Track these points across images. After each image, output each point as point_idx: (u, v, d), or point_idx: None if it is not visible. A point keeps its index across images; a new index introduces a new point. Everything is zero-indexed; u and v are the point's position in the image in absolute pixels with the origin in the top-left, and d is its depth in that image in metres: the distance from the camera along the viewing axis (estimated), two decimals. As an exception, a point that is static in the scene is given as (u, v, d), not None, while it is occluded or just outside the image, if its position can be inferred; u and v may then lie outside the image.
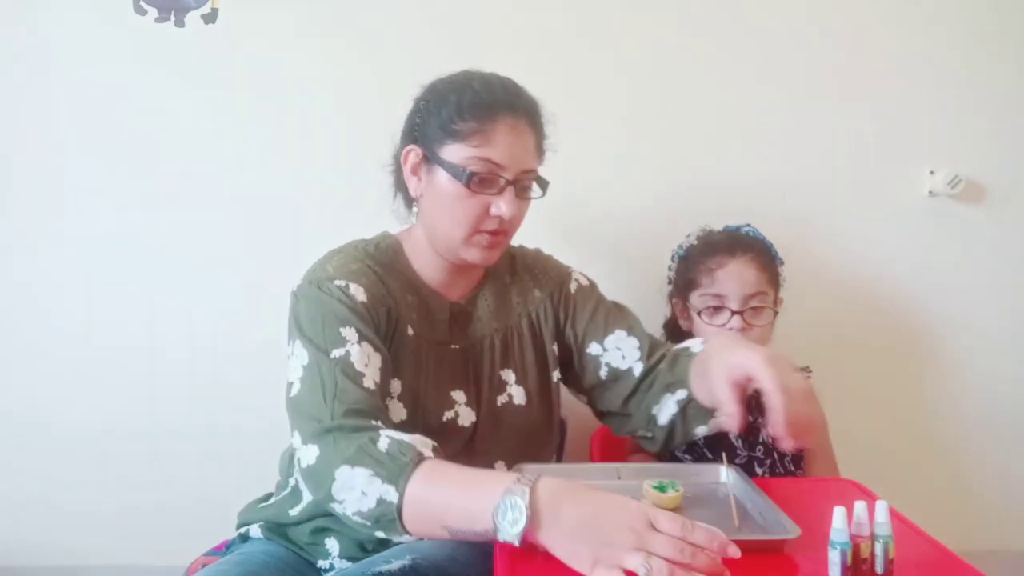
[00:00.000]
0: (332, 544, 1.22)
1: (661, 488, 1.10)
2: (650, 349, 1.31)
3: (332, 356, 1.09)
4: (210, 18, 1.71)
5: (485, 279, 1.34)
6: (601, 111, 1.75)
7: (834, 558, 0.89)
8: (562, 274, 1.39)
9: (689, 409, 1.25)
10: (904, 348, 1.86)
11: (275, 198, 1.75)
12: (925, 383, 1.88)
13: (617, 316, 1.35)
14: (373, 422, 1.03)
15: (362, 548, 1.21)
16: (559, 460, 1.42)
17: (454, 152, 1.18)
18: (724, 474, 1.20)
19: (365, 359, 1.10)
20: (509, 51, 1.68)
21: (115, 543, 1.82)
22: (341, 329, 1.12)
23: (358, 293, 1.17)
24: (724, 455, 1.25)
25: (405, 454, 0.97)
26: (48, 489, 1.80)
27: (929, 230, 1.83)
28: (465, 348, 1.28)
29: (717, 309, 1.48)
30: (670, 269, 1.63)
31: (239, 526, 1.33)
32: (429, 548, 1.16)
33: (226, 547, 1.34)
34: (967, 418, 1.90)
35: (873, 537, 0.91)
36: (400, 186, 1.30)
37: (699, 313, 1.51)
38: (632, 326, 1.33)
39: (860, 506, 0.92)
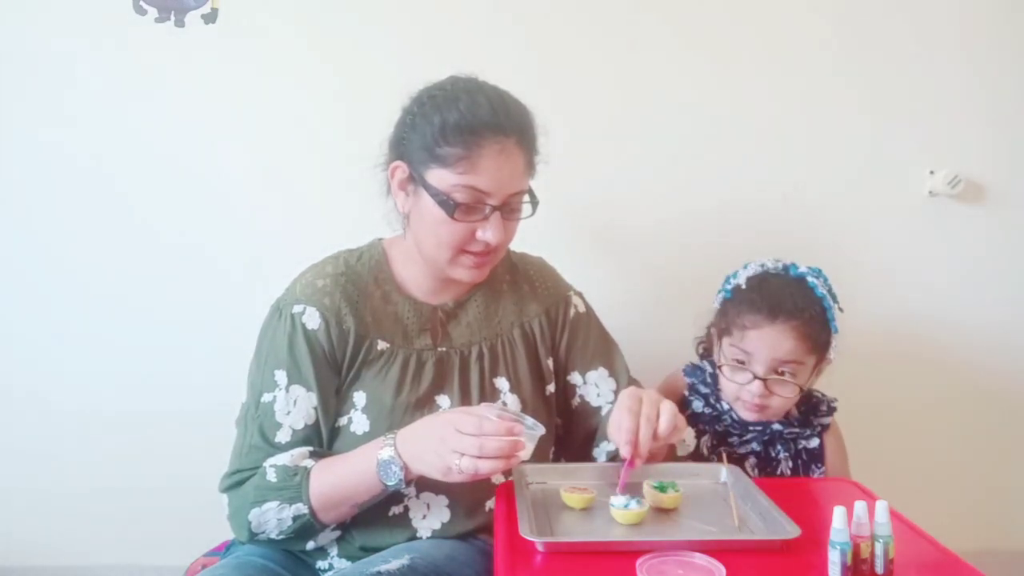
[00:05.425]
0: (331, 545, 1.22)
1: (661, 488, 1.10)
2: None
3: (261, 402, 1.21)
4: (210, 18, 1.71)
5: (480, 283, 1.32)
6: (601, 115, 1.74)
7: (834, 558, 0.89)
8: (562, 293, 1.38)
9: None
10: (903, 347, 1.86)
11: (274, 198, 1.74)
12: (924, 382, 1.87)
13: (604, 352, 1.37)
14: (260, 463, 1.18)
15: (360, 548, 1.21)
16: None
17: (439, 177, 1.16)
18: (724, 474, 1.20)
19: (289, 405, 1.20)
20: (513, 54, 1.70)
21: (116, 544, 1.82)
22: (276, 372, 1.21)
23: (311, 319, 1.22)
24: (724, 455, 1.25)
25: (295, 474, 1.15)
26: (49, 490, 1.80)
27: (929, 230, 1.83)
28: (450, 351, 1.28)
29: (741, 365, 1.37)
30: (718, 293, 1.48)
31: (236, 528, 1.33)
32: (428, 548, 1.16)
33: (226, 548, 1.34)
34: (966, 417, 1.90)
35: (873, 537, 0.91)
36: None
37: (722, 364, 1.40)
38: (615, 366, 1.36)
39: (860, 506, 0.92)
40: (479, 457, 1.02)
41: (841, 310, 1.42)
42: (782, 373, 1.35)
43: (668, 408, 1.10)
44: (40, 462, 1.79)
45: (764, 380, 1.34)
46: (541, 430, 1.07)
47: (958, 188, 1.77)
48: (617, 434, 1.10)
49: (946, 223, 1.83)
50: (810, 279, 1.40)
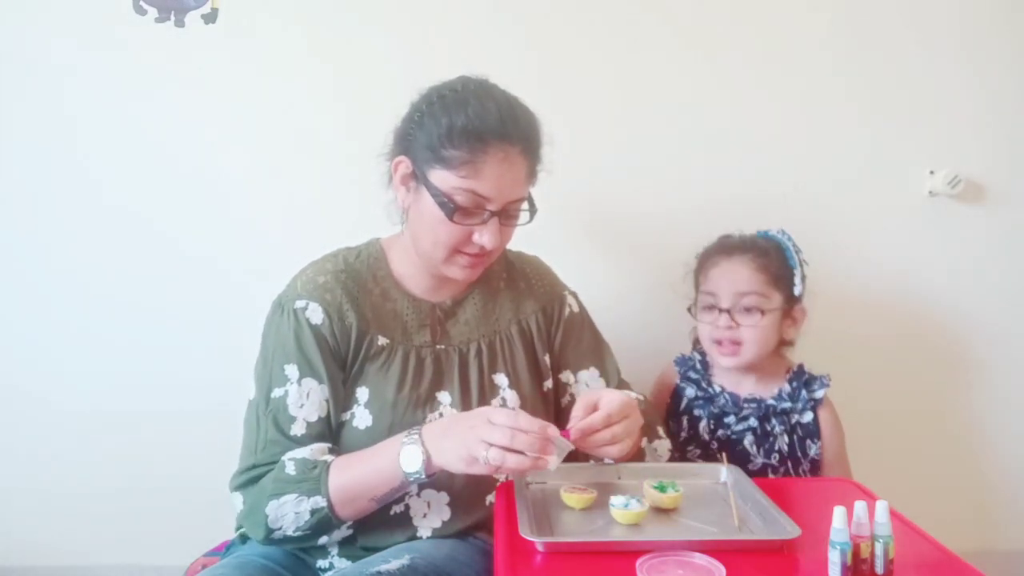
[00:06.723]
0: (332, 544, 1.22)
1: (661, 488, 1.10)
2: None
3: (272, 397, 1.20)
4: (210, 18, 1.71)
5: (477, 281, 1.33)
6: (601, 115, 1.74)
7: (834, 558, 0.89)
8: (558, 292, 1.40)
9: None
10: (903, 347, 1.86)
11: (274, 197, 1.74)
12: (924, 382, 1.87)
13: (596, 353, 1.39)
14: (278, 458, 1.17)
15: (361, 548, 1.21)
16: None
17: (442, 178, 1.16)
18: (724, 474, 1.20)
19: (302, 398, 1.20)
20: (513, 54, 1.70)
21: (116, 544, 1.82)
22: (285, 366, 1.21)
23: (314, 314, 1.22)
24: (724, 455, 1.25)
25: (314, 467, 1.14)
26: (49, 490, 1.80)
27: (929, 230, 1.83)
28: (449, 349, 1.28)
29: (710, 308, 1.48)
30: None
31: (239, 527, 1.32)
32: (428, 547, 1.16)
33: (226, 548, 1.35)
34: (967, 417, 1.90)
35: (873, 537, 0.91)
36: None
37: (693, 310, 1.52)
38: (606, 367, 1.38)
39: (860, 506, 0.92)
40: (508, 449, 1.01)
41: (806, 262, 1.50)
42: (747, 308, 1.44)
43: (629, 443, 1.13)
44: (40, 462, 1.79)
45: (729, 311, 1.44)
46: (569, 447, 1.07)
47: (958, 188, 1.77)
48: (580, 416, 1.12)
49: (946, 223, 1.83)
50: (772, 232, 1.52)
